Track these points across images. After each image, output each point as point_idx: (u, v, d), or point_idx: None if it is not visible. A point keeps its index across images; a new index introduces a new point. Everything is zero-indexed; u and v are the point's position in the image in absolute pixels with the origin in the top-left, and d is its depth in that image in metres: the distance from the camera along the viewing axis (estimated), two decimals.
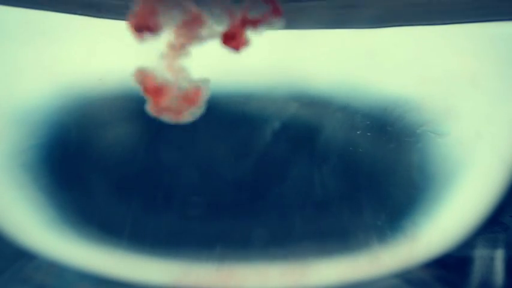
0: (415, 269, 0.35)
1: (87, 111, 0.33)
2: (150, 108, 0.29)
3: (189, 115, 0.29)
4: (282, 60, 0.33)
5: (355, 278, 0.35)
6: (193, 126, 0.33)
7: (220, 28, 0.29)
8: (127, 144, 0.33)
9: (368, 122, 0.33)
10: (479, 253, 0.36)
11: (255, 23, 0.29)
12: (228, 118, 0.33)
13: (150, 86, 0.29)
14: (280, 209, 0.34)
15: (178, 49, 0.28)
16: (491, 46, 0.34)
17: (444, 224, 0.35)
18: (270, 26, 0.29)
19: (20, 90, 0.34)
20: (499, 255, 0.36)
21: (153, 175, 0.33)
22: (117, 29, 0.33)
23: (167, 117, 0.30)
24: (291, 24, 0.32)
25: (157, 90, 0.29)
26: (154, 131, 0.33)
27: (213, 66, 0.33)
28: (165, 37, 0.32)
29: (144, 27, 0.29)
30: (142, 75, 0.29)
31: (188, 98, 0.29)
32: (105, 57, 0.33)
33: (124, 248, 0.34)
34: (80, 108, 0.33)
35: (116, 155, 0.33)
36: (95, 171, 0.33)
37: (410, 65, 0.34)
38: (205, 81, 0.29)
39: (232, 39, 0.29)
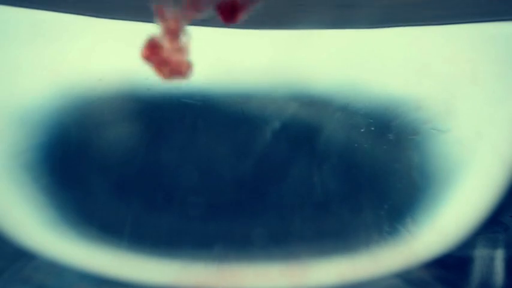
0: (415, 269, 0.35)
1: (87, 111, 0.33)
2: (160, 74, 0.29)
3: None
4: (282, 60, 0.33)
5: (355, 278, 0.35)
6: (193, 125, 0.33)
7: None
8: (127, 144, 0.33)
9: (368, 122, 0.33)
10: (479, 253, 0.36)
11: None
12: (228, 118, 0.33)
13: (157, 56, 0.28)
14: (280, 209, 0.34)
15: (175, 32, 0.28)
16: (491, 46, 0.34)
17: (444, 224, 0.35)
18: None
19: (20, 90, 0.34)
20: (499, 255, 0.36)
21: (153, 175, 0.33)
22: (117, 29, 0.33)
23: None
24: (291, 24, 0.32)
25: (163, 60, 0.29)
26: (154, 131, 0.33)
27: (212, 65, 0.33)
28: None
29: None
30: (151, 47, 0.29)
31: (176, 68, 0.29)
32: (105, 57, 0.33)
33: (124, 248, 0.34)
34: (80, 108, 0.33)
35: (116, 155, 0.33)
36: (95, 171, 0.33)
37: (410, 65, 0.34)
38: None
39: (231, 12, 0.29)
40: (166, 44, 0.29)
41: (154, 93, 0.33)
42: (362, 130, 0.33)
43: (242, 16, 0.29)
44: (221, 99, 0.33)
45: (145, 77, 0.33)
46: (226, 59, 0.32)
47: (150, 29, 0.32)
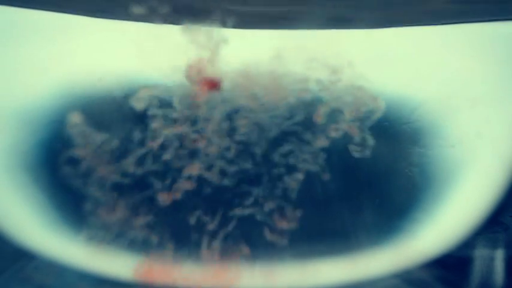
0: (415, 269, 0.35)
1: (87, 111, 0.33)
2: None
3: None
4: (282, 60, 0.33)
5: (355, 278, 0.35)
6: (193, 126, 0.33)
7: None
8: (127, 144, 0.33)
9: (367, 122, 0.33)
10: (479, 253, 0.36)
11: None
12: (228, 118, 0.33)
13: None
14: (280, 209, 0.34)
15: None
16: (491, 46, 0.34)
17: (444, 224, 0.35)
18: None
19: (20, 90, 0.34)
20: (499, 255, 0.36)
21: (153, 175, 0.33)
22: (117, 29, 0.33)
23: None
24: (291, 24, 0.32)
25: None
26: (154, 131, 0.33)
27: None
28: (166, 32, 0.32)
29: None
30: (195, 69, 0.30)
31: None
32: (105, 57, 0.33)
33: (124, 248, 0.34)
34: (80, 108, 0.33)
35: (116, 154, 0.33)
36: (95, 171, 0.33)
37: (410, 65, 0.34)
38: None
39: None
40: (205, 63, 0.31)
41: (154, 93, 0.33)
42: (361, 130, 0.33)
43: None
44: (221, 99, 0.33)
45: (145, 77, 0.33)
46: (226, 59, 0.32)
47: (150, 30, 0.32)
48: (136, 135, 0.33)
